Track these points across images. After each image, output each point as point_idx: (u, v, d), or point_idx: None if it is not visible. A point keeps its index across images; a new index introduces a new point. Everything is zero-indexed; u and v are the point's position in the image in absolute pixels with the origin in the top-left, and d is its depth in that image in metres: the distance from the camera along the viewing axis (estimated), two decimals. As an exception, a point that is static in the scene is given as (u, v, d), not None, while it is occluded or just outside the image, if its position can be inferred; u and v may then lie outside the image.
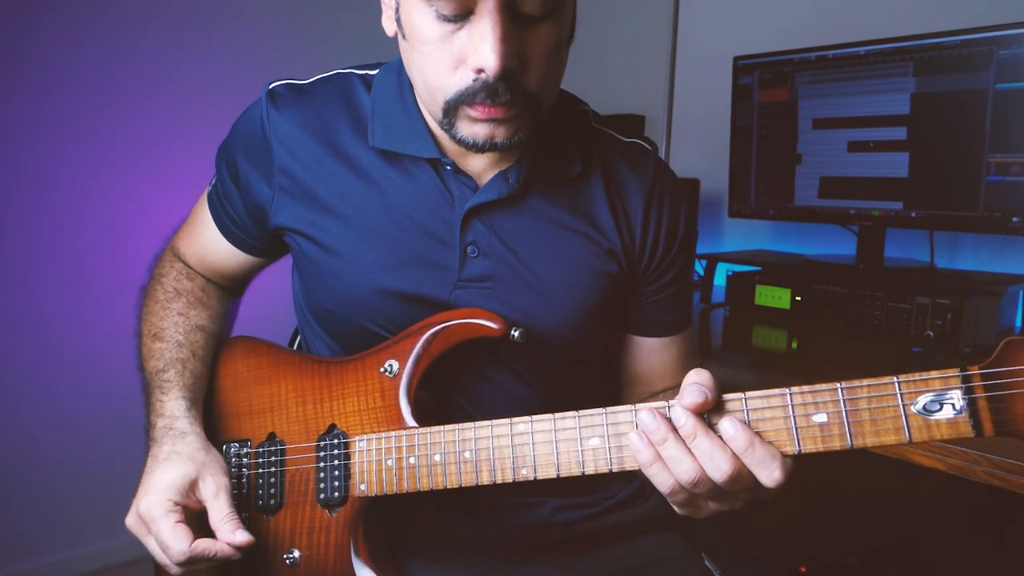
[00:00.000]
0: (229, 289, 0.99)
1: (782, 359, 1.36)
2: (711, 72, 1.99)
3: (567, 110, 0.85)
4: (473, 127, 0.69)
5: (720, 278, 1.74)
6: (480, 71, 0.65)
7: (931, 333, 1.29)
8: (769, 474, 0.59)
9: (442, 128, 0.73)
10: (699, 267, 1.83)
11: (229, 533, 0.73)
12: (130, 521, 0.75)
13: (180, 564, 0.72)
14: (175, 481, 0.74)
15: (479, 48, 0.64)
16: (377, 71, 0.84)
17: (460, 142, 0.72)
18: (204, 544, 0.72)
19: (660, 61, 2.19)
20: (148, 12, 2.00)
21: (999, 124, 1.31)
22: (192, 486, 0.75)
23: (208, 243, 0.93)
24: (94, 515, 2.06)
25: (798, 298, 1.50)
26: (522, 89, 0.68)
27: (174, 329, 0.88)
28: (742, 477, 0.60)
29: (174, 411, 0.80)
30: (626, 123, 2.03)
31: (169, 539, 0.71)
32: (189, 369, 0.85)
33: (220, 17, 2.13)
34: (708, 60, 2.05)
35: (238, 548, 0.73)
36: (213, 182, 0.92)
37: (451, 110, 0.69)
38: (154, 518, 0.72)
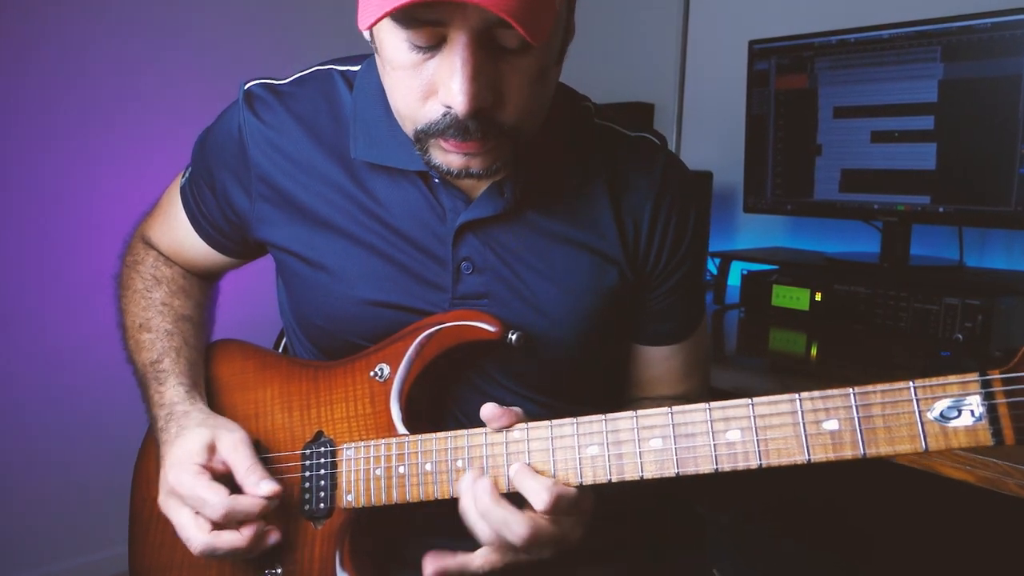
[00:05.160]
0: (207, 279, 1.00)
1: (800, 364, 1.35)
2: (725, 57, 1.99)
3: (566, 109, 0.84)
4: (446, 156, 0.69)
5: (735, 277, 1.74)
6: (450, 107, 0.64)
7: (960, 336, 1.28)
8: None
9: (416, 151, 0.72)
10: (712, 266, 1.83)
11: (253, 487, 0.75)
12: (161, 499, 0.78)
13: (218, 520, 0.73)
14: (194, 449, 0.76)
15: (448, 84, 0.62)
16: (360, 67, 0.83)
17: (435, 168, 0.71)
18: (241, 498, 0.74)
19: (670, 45, 2.18)
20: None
21: (1032, 113, 1.30)
22: (211, 449, 0.77)
23: (184, 240, 0.93)
24: (58, 532, 1.98)
25: (818, 299, 1.49)
26: (497, 125, 0.66)
27: (160, 319, 0.89)
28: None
29: (173, 398, 0.83)
30: (635, 112, 2.02)
31: (206, 493, 0.73)
32: (184, 356, 0.87)
33: (196, 3, 2.12)
34: (722, 44, 2.04)
35: (268, 499, 0.75)
36: (187, 174, 0.92)
37: (422, 138, 0.69)
38: (184, 483, 0.74)
